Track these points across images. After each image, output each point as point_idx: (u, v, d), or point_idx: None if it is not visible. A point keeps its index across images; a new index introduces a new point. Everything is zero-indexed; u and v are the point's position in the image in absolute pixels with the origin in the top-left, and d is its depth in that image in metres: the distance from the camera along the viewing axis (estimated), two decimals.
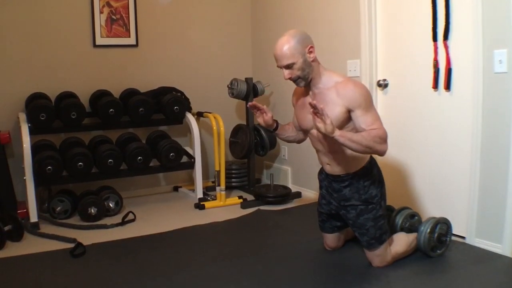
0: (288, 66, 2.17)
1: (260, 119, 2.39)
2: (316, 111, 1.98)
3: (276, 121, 2.46)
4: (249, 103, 2.36)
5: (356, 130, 2.16)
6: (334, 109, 2.14)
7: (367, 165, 2.32)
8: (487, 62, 2.44)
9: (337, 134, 2.03)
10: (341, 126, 2.16)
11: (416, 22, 2.88)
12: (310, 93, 2.29)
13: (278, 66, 2.22)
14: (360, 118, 2.13)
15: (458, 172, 2.73)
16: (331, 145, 2.25)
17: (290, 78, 2.21)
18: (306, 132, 2.44)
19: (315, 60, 2.20)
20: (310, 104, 1.99)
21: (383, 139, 2.11)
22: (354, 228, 2.35)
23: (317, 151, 2.40)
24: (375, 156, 2.32)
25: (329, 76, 2.23)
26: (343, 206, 2.36)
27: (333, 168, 2.34)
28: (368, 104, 2.15)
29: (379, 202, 2.31)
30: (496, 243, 2.48)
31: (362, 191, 2.30)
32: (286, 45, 2.14)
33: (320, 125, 2.01)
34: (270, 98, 4.28)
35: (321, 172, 2.48)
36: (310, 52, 2.18)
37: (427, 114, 2.89)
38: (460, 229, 2.68)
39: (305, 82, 2.23)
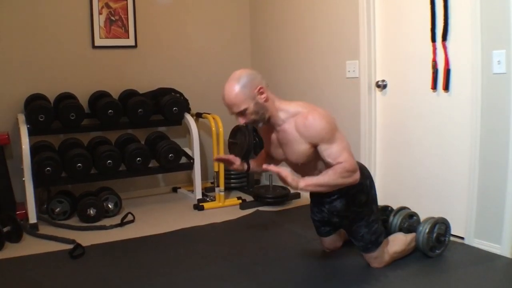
0: (241, 113, 2.09)
1: (231, 167, 2.41)
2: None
3: (247, 163, 2.46)
4: (215, 158, 2.35)
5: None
6: (299, 147, 2.12)
7: None
8: (486, 63, 2.45)
9: (302, 185, 2.01)
10: (315, 158, 2.15)
11: (415, 22, 2.88)
12: (274, 131, 2.25)
13: (230, 113, 2.15)
14: (325, 152, 2.09)
15: (457, 173, 2.73)
16: (306, 173, 2.20)
17: (246, 123, 2.15)
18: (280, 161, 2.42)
19: (267, 99, 2.10)
20: (266, 169, 2.00)
21: (351, 171, 2.07)
22: (349, 234, 2.36)
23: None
24: (364, 159, 2.26)
25: (286, 110, 2.16)
26: (335, 215, 2.36)
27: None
28: (330, 136, 2.07)
29: (370, 207, 2.30)
30: (495, 243, 2.49)
31: (351, 200, 2.27)
32: (233, 93, 2.05)
33: (284, 184, 2.00)
34: None
35: None
36: (261, 93, 2.08)
37: (426, 114, 2.90)
38: (459, 230, 2.68)
39: (262, 123, 2.17)
